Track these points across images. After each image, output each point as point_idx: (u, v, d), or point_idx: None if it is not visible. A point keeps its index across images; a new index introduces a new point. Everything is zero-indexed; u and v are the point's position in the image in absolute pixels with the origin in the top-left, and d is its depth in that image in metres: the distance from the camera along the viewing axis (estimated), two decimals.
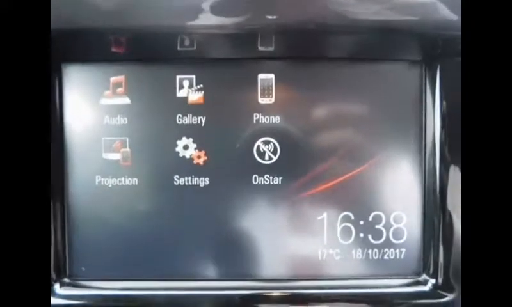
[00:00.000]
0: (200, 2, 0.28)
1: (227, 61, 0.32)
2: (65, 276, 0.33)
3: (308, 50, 0.32)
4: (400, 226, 0.33)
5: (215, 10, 0.29)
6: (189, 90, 0.32)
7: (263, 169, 0.32)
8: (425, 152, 0.32)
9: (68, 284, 0.32)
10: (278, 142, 0.32)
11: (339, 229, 0.33)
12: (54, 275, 0.32)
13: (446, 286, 0.32)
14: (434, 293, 0.32)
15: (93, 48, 0.32)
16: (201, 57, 0.32)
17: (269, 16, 0.29)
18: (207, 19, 0.29)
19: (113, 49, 0.32)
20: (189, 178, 0.32)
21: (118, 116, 0.32)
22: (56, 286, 0.32)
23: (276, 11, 0.29)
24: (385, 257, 0.33)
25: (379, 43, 0.32)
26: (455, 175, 0.31)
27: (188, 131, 0.32)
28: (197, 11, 0.28)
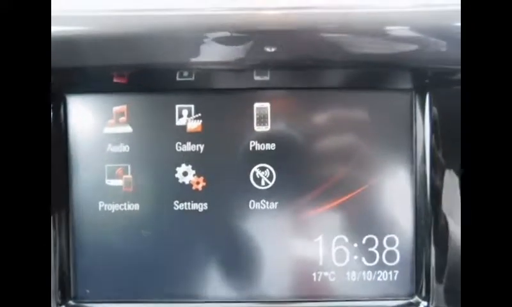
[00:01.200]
0: (200, 40, 0.30)
1: (224, 91, 0.34)
2: (70, 298, 0.34)
3: (302, 80, 0.34)
4: (393, 248, 0.34)
5: (215, 46, 0.30)
6: (187, 119, 0.34)
7: (259, 195, 0.33)
8: (416, 175, 0.33)
9: None
10: (274, 168, 0.33)
11: (334, 251, 0.34)
12: (59, 298, 0.33)
13: None
14: None
15: (96, 80, 0.34)
16: (199, 88, 0.34)
17: (268, 49, 0.30)
18: (207, 56, 0.30)
19: (115, 80, 0.33)
20: (188, 204, 0.34)
21: (121, 144, 0.34)
22: None
23: (273, 47, 0.30)
24: (379, 279, 0.34)
25: (373, 73, 0.33)
26: (446, 197, 0.32)
27: (187, 158, 0.34)
28: (197, 48, 0.30)
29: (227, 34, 0.30)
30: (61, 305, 0.33)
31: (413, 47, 0.31)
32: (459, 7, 0.31)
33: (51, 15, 0.28)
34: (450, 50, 0.31)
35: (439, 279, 0.32)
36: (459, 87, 0.31)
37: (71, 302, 0.34)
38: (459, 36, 0.31)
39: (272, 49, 0.30)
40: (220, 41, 0.30)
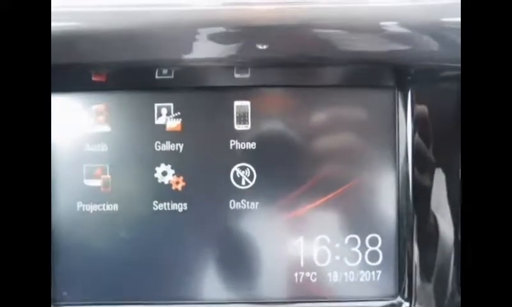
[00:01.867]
0: (181, 37, 0.30)
1: (204, 89, 0.33)
2: None
3: (283, 77, 0.33)
4: (376, 248, 0.33)
5: (207, 42, 0.30)
6: (167, 118, 0.33)
7: (240, 194, 0.33)
8: (399, 174, 0.33)
9: None
10: (254, 167, 0.33)
11: (315, 252, 0.33)
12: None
13: None
14: None
15: (75, 78, 0.33)
16: (178, 86, 0.33)
17: (260, 47, 0.30)
18: (189, 53, 0.30)
19: (94, 79, 0.33)
20: (168, 204, 0.33)
21: (99, 143, 0.33)
22: None
23: (267, 42, 0.30)
24: (361, 279, 0.33)
25: (355, 71, 0.33)
26: (429, 197, 0.32)
27: (166, 157, 0.33)
28: (178, 46, 0.30)
29: (212, 30, 0.30)
30: None
31: (397, 44, 0.30)
32: (444, 2, 0.31)
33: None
34: (433, 47, 0.30)
35: (422, 280, 0.32)
36: (443, 84, 0.32)
37: None
38: (443, 32, 0.30)
39: (264, 46, 0.30)
40: (204, 38, 0.30)
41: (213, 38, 0.30)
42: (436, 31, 0.31)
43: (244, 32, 0.30)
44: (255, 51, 0.30)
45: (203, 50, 0.30)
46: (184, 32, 0.30)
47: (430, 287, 0.32)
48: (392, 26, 0.30)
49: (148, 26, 0.30)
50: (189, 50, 0.30)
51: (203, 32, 0.30)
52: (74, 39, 0.30)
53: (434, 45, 0.30)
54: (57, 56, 0.30)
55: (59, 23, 0.30)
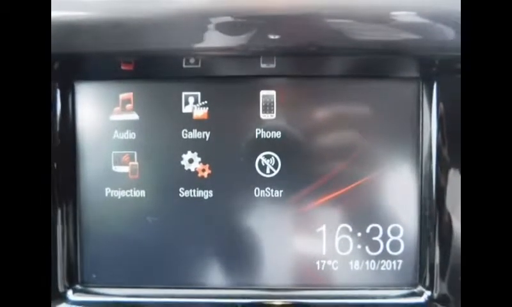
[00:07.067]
0: (204, 25, 0.30)
1: (230, 78, 0.34)
2: (77, 283, 0.34)
3: (308, 68, 0.34)
4: (397, 238, 0.34)
5: (219, 32, 0.30)
6: (194, 106, 0.34)
7: (264, 182, 0.34)
8: (422, 166, 0.33)
9: (80, 291, 0.34)
10: (279, 156, 0.34)
11: (337, 240, 0.34)
12: (66, 282, 0.34)
13: (441, 299, 0.32)
14: (429, 305, 0.33)
15: (104, 67, 0.34)
16: (205, 75, 0.34)
17: (272, 37, 0.30)
18: (212, 42, 0.30)
19: (122, 68, 0.33)
20: (194, 191, 0.34)
21: (127, 131, 0.34)
22: (69, 293, 0.34)
23: (279, 32, 0.30)
24: (382, 268, 0.34)
25: (379, 61, 0.33)
26: (451, 189, 0.32)
27: (193, 145, 0.34)
28: (202, 34, 0.30)
29: (233, 19, 0.30)
30: (68, 289, 0.34)
31: (420, 34, 0.30)
32: None
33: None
34: (457, 37, 0.30)
35: (442, 269, 0.32)
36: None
37: (78, 286, 0.34)
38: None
39: (277, 36, 0.30)
40: (225, 27, 0.30)
41: (228, 27, 0.30)
42: (459, 20, 0.30)
43: (269, 22, 0.31)
44: (279, 40, 0.30)
45: (220, 39, 0.30)
46: (200, 22, 0.30)
47: (451, 276, 0.32)
48: (414, 15, 0.30)
49: (163, 16, 0.31)
50: (205, 39, 0.30)
51: (218, 22, 0.30)
52: (102, 28, 0.31)
53: (458, 35, 0.30)
54: (85, 45, 0.31)
55: (87, 12, 0.31)
